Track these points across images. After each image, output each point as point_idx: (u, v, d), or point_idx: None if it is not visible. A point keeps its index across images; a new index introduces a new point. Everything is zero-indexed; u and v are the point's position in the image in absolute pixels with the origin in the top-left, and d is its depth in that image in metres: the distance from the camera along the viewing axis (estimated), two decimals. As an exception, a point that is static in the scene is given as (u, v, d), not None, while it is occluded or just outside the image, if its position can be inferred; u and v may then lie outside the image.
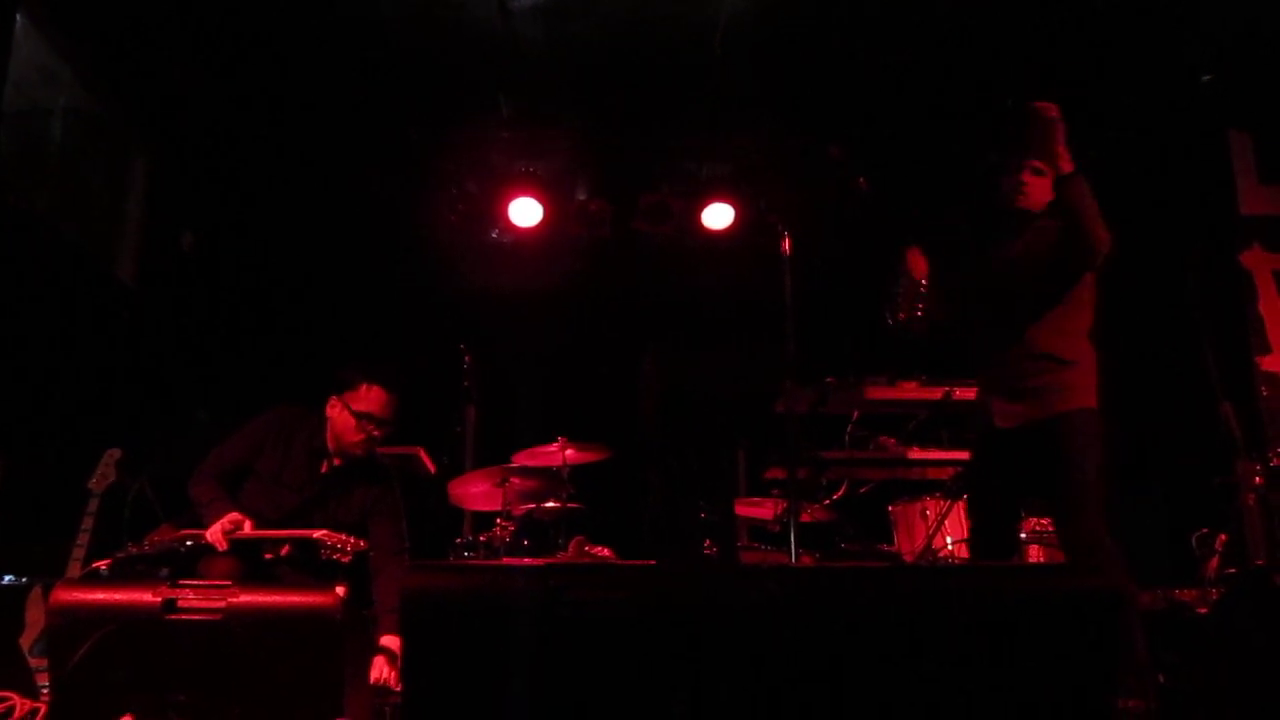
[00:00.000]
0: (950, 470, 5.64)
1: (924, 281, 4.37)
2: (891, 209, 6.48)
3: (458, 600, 2.55)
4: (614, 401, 6.94)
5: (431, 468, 6.15)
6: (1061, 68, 6.48)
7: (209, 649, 2.99)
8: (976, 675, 2.49)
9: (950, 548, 5.45)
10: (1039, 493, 4.58)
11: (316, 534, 4.08)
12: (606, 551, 5.32)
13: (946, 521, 5.52)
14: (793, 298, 4.75)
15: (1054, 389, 4.01)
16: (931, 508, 5.69)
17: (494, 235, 7.78)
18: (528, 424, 6.14)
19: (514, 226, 7.52)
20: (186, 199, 7.18)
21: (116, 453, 4.81)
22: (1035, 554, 5.35)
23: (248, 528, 4.10)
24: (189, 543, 4.11)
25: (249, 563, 4.10)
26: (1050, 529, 5.41)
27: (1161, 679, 3.98)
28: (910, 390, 5.73)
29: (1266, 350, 6.64)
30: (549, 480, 5.59)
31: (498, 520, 5.51)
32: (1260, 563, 4.85)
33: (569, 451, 5.60)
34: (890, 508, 5.98)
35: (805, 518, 5.73)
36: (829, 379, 5.72)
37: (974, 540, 4.37)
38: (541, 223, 7.48)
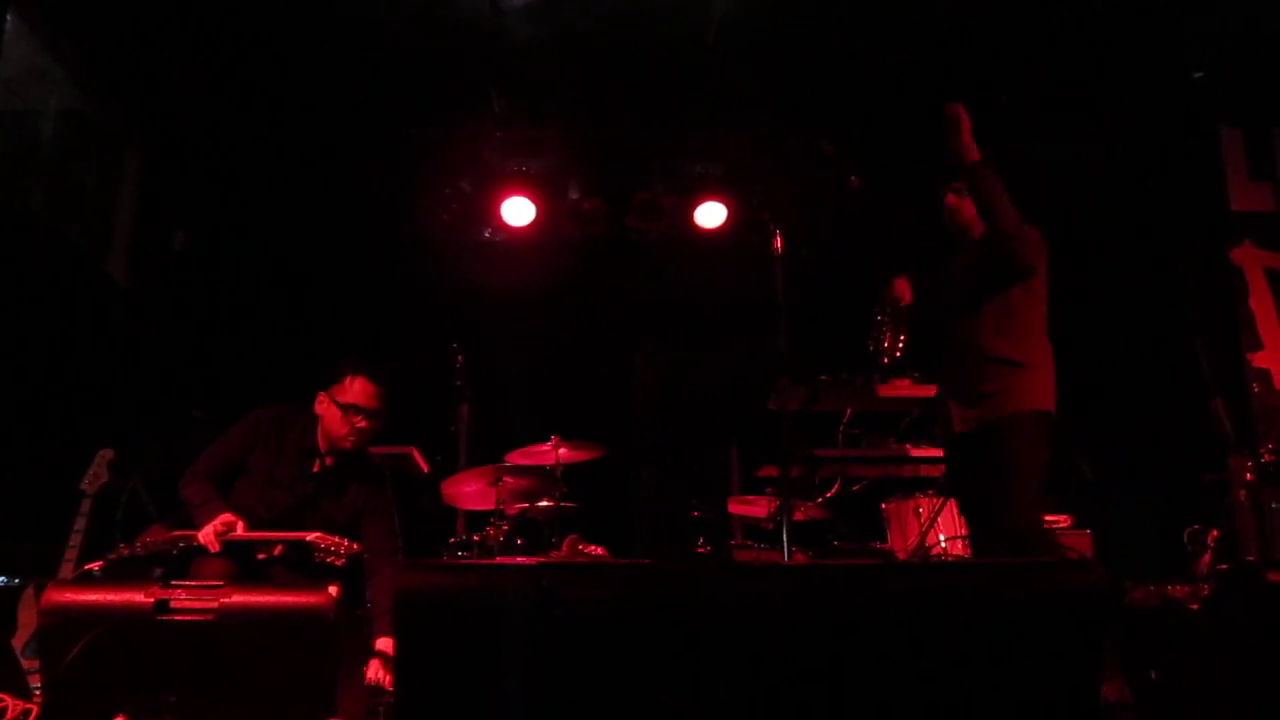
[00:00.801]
0: (943, 468, 5.65)
1: (906, 312, 4.51)
2: (884, 207, 6.50)
3: (451, 599, 2.56)
4: (607, 400, 6.96)
5: (425, 467, 6.15)
6: (1055, 66, 6.50)
7: (201, 649, 2.99)
8: (968, 670, 2.50)
9: (943, 545, 5.46)
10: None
11: (310, 537, 4.07)
12: (600, 550, 5.33)
13: (939, 519, 5.54)
14: (785, 295, 4.75)
15: (1005, 392, 4.14)
16: (924, 505, 5.71)
17: (487, 234, 7.79)
18: (521, 423, 6.13)
19: (507, 225, 7.53)
20: (179, 198, 7.17)
21: (109, 453, 4.80)
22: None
23: (240, 529, 4.09)
24: (181, 544, 4.10)
25: (242, 563, 4.10)
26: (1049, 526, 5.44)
27: (1154, 675, 3.99)
28: (904, 388, 5.74)
29: (1258, 346, 6.66)
30: (542, 479, 5.58)
31: (491, 519, 5.51)
32: (1252, 558, 4.87)
33: (562, 450, 5.60)
34: (883, 505, 5.99)
35: (799, 516, 5.74)
36: (822, 377, 5.73)
37: (973, 541, 4.44)
38: (534, 221, 7.49)
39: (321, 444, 4.44)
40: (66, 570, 4.35)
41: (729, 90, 6.78)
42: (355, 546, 4.10)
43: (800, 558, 5.38)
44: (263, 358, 7.11)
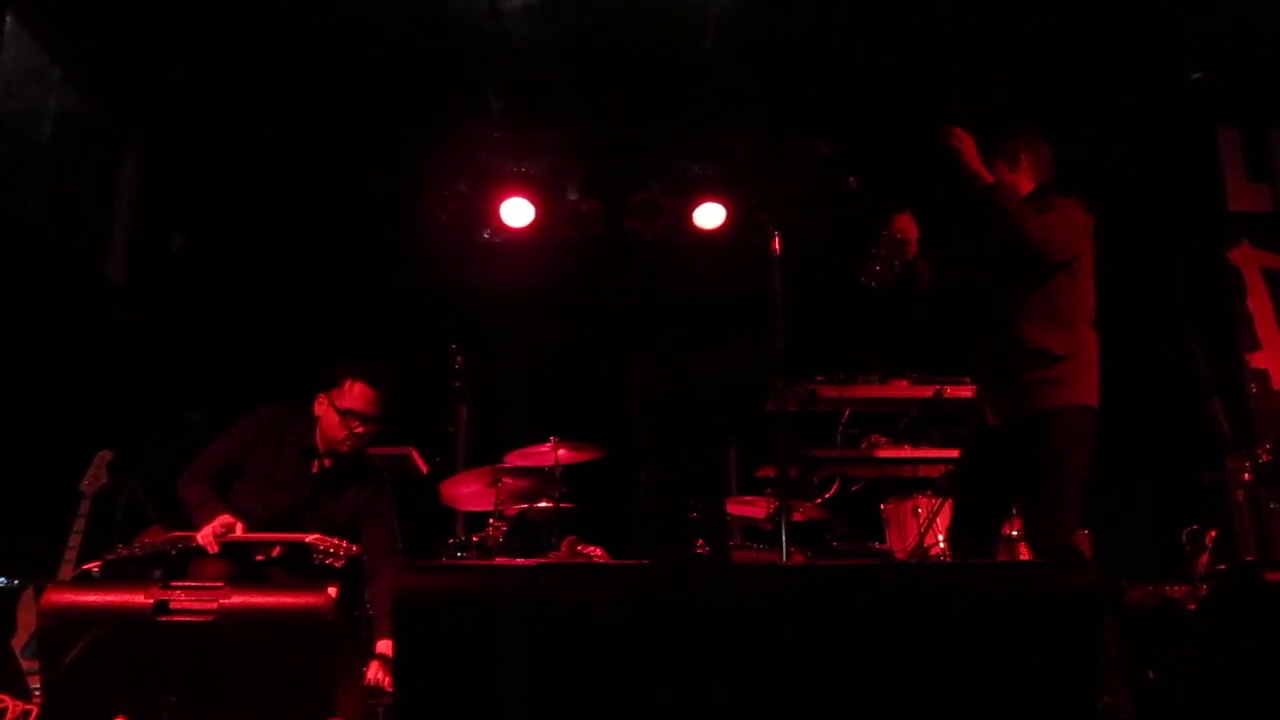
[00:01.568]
0: (941, 468, 5.65)
1: (912, 243, 4.32)
2: (882, 207, 6.49)
3: (450, 600, 2.56)
4: (606, 401, 6.96)
5: (424, 468, 6.15)
6: (1054, 66, 6.51)
7: (201, 650, 2.99)
8: (966, 671, 2.50)
9: (942, 545, 5.47)
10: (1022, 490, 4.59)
11: (309, 538, 4.08)
12: (599, 551, 5.32)
13: (938, 519, 5.54)
14: (783, 296, 4.75)
15: (1044, 384, 3.94)
16: (923, 506, 5.71)
17: (486, 235, 7.78)
18: (520, 424, 6.13)
19: (506, 226, 7.53)
20: (178, 199, 7.17)
21: (108, 454, 4.81)
22: (1026, 553, 5.35)
23: (239, 530, 4.09)
24: (180, 545, 4.11)
25: (240, 564, 4.10)
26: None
27: (1151, 675, 4.00)
28: (901, 388, 5.74)
29: (1255, 347, 6.66)
30: (541, 480, 5.58)
31: (490, 520, 5.51)
32: (1250, 558, 4.88)
33: (561, 451, 5.60)
34: (882, 506, 6.00)
35: (797, 516, 5.74)
36: (820, 377, 5.73)
37: (953, 536, 4.34)
38: (533, 223, 7.49)
39: (320, 445, 4.45)
40: (66, 571, 4.35)
41: (728, 91, 6.78)
42: (354, 548, 4.11)
43: (799, 558, 5.38)
44: (261, 359, 7.11)
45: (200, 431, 5.14)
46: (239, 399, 4.87)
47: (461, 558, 5.45)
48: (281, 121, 7.01)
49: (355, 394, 4.40)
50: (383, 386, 4.45)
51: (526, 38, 6.33)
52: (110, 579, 3.96)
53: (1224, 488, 5.22)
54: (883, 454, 5.73)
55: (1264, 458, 5.18)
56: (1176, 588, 4.92)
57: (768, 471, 5.95)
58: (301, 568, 4.19)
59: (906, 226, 4.37)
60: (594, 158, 7.65)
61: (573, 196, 7.69)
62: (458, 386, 6.02)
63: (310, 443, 4.44)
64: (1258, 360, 6.63)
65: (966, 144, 4.11)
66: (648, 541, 6.35)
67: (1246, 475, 5.14)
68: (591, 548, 5.33)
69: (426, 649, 2.54)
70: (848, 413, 5.89)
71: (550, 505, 5.61)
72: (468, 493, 5.67)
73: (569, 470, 5.69)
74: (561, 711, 2.49)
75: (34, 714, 3.27)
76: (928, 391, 5.67)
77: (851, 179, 5.65)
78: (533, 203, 7.44)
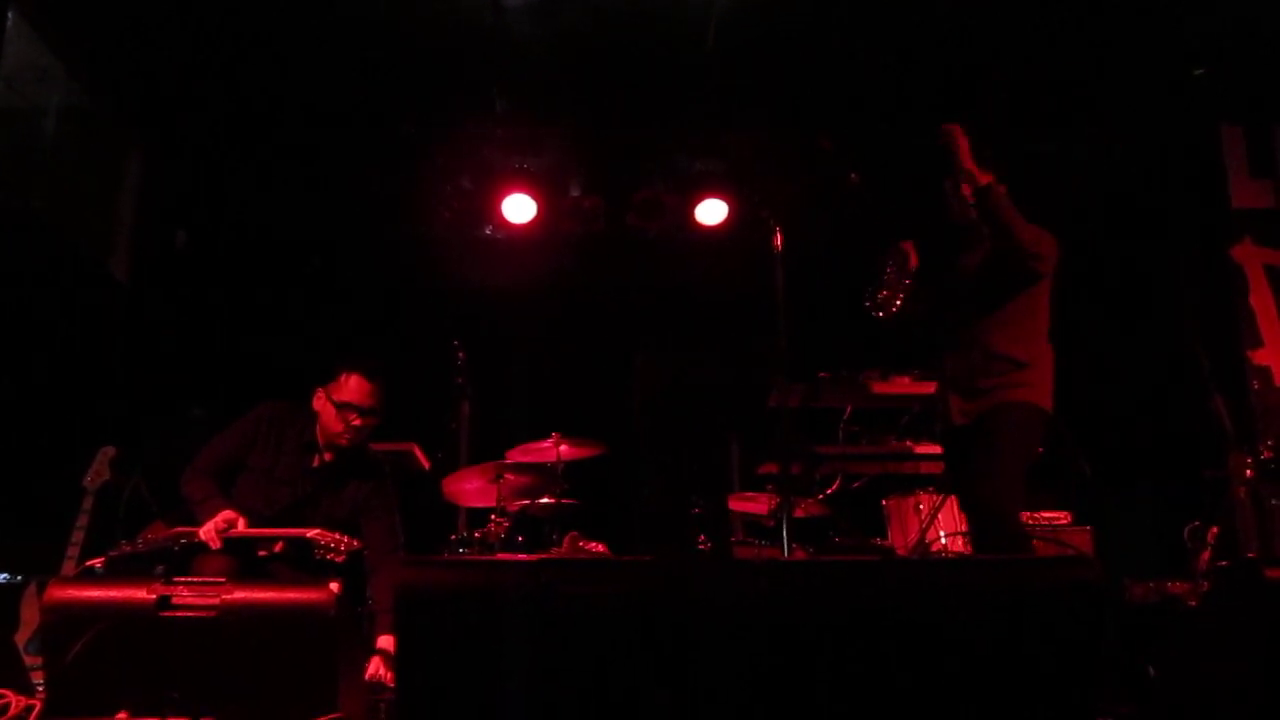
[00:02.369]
0: (943, 465, 5.65)
1: (911, 275, 4.47)
2: (884, 204, 6.49)
3: (451, 596, 2.57)
4: (608, 397, 6.94)
5: (426, 464, 6.15)
6: (1056, 64, 6.50)
7: (203, 646, 3.00)
8: (967, 666, 2.51)
9: (943, 541, 5.47)
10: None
11: (310, 533, 4.08)
12: (601, 547, 5.32)
13: (939, 515, 5.54)
14: (785, 292, 4.75)
15: (1005, 387, 4.19)
16: (925, 502, 5.71)
17: (488, 231, 7.79)
18: (522, 420, 6.14)
19: (508, 223, 7.54)
20: (180, 196, 7.18)
21: (111, 450, 4.82)
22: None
23: (241, 526, 4.10)
24: (182, 541, 4.11)
25: (243, 560, 4.11)
26: (1040, 522, 5.45)
27: (1152, 671, 4.00)
28: (903, 385, 5.75)
29: (1258, 344, 6.65)
30: (543, 476, 5.59)
31: (492, 516, 5.51)
32: (1251, 555, 4.88)
33: (563, 447, 5.60)
34: (884, 502, 6.00)
35: (799, 513, 5.73)
36: (822, 374, 5.73)
37: (972, 535, 4.44)
38: (535, 219, 7.50)
39: (320, 440, 4.45)
40: (69, 567, 4.37)
41: (729, 88, 6.78)
42: (356, 543, 4.11)
43: (800, 554, 5.38)
44: (263, 355, 7.11)
45: (202, 427, 5.16)
46: (241, 395, 4.87)
47: (463, 554, 5.46)
48: (283, 119, 7.01)
49: (351, 387, 4.40)
50: (379, 380, 4.44)
51: (528, 35, 6.33)
52: (113, 575, 3.97)
53: (1226, 484, 5.22)
54: (884, 450, 5.73)
55: (1266, 455, 5.18)
56: (1178, 584, 4.93)
57: (770, 468, 5.96)
58: (303, 563, 4.19)
59: (909, 254, 4.53)
60: (596, 154, 7.65)
61: (575, 193, 7.69)
62: (460, 383, 6.03)
63: (311, 438, 4.44)
64: (1260, 357, 6.62)
65: (962, 143, 4.29)
66: (649, 537, 6.35)
67: (1248, 472, 5.14)
68: (593, 544, 5.33)
69: (428, 644, 2.54)
70: (849, 409, 5.90)
71: (552, 501, 5.61)
72: (470, 489, 5.68)
73: (571, 466, 5.70)
74: (563, 706, 2.49)
75: (37, 709, 3.28)
76: (929, 388, 5.67)
77: (853, 175, 5.66)
78: (535, 199, 7.44)
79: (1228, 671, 3.12)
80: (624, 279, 7.83)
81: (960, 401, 4.32)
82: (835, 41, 6.37)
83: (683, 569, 2.80)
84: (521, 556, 4.80)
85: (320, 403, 4.44)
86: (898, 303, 4.49)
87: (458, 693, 2.50)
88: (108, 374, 6.18)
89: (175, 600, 3.03)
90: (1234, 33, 6.31)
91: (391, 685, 3.91)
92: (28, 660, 4.06)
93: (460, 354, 5.98)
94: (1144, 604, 4.89)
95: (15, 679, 3.84)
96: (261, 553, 4.22)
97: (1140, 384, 6.91)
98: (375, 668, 4.02)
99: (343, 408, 4.37)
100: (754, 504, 6.07)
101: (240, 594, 3.05)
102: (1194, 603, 4.66)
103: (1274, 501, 5.13)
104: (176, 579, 3.12)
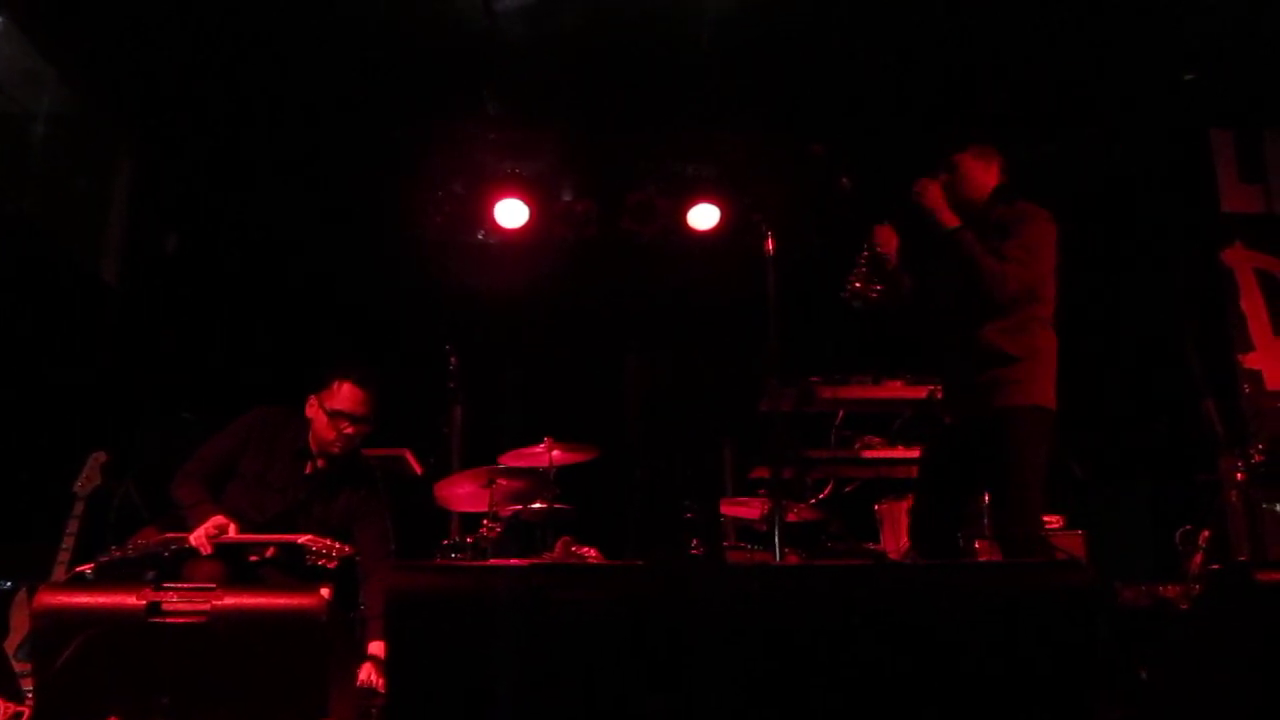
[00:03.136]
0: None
1: (893, 256, 4.39)
2: (874, 209, 6.50)
3: (443, 601, 2.56)
4: (600, 402, 6.96)
5: (418, 469, 6.14)
6: (1048, 67, 6.52)
7: (194, 652, 2.98)
8: (959, 671, 2.51)
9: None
10: (980, 488, 4.72)
11: (301, 539, 4.07)
12: (593, 552, 5.32)
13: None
14: (777, 297, 4.76)
15: (1000, 384, 3.99)
16: (917, 506, 5.71)
17: (480, 236, 7.78)
18: (514, 425, 6.13)
19: (500, 227, 7.53)
20: (171, 200, 7.15)
21: (101, 455, 4.80)
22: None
23: (232, 531, 4.09)
24: (173, 546, 4.10)
25: (233, 565, 4.10)
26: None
27: (1144, 674, 4.01)
28: (895, 389, 5.75)
29: (1248, 347, 6.68)
30: (535, 481, 5.58)
31: (484, 521, 5.51)
32: (1243, 558, 4.89)
33: (555, 452, 5.59)
34: (876, 507, 6.00)
35: (791, 517, 5.74)
36: (813, 378, 5.73)
37: (913, 533, 4.38)
38: (527, 223, 7.49)
39: (313, 447, 4.44)
40: (59, 573, 4.34)
41: (722, 92, 6.79)
42: (347, 549, 4.10)
43: (793, 559, 5.39)
44: (254, 360, 7.10)
45: (194, 433, 5.13)
46: (232, 400, 4.86)
47: (456, 559, 5.45)
48: (275, 122, 7.00)
49: (343, 395, 4.39)
50: (371, 387, 4.43)
51: (521, 38, 6.33)
52: (103, 580, 3.95)
53: (1217, 488, 5.24)
54: (876, 455, 5.73)
55: (1257, 458, 5.20)
56: (1170, 588, 4.94)
57: (762, 472, 5.95)
58: (295, 569, 4.18)
59: (887, 239, 4.43)
60: (588, 158, 7.65)
61: (567, 197, 7.69)
62: (452, 387, 6.03)
63: (303, 444, 4.43)
64: (1250, 361, 6.65)
65: (932, 193, 4.19)
66: (642, 542, 6.35)
67: (1239, 475, 5.16)
68: (586, 549, 5.32)
69: (419, 650, 2.53)
70: (842, 414, 5.90)
71: (544, 506, 5.60)
72: (462, 494, 5.67)
73: (563, 471, 5.69)
74: (554, 712, 2.49)
75: (26, 715, 3.27)
76: (921, 392, 5.68)
77: (844, 180, 5.65)
78: (527, 203, 7.44)
79: (1220, 675, 3.12)
80: (616, 283, 7.83)
81: (954, 399, 4.22)
82: (827, 47, 6.38)
83: (675, 574, 2.79)
84: (513, 561, 4.79)
85: (313, 410, 4.43)
86: (876, 287, 4.35)
87: (449, 698, 2.49)
88: (98, 378, 6.16)
89: (165, 606, 3.02)
90: (1223, 36, 6.33)
91: (382, 691, 3.90)
92: (17, 666, 4.04)
93: (452, 359, 5.98)
94: (1136, 607, 4.90)
95: (4, 685, 3.83)
96: (252, 558, 4.21)
97: (1131, 387, 6.93)
98: (366, 673, 4.01)
99: (335, 415, 4.36)
100: (746, 509, 6.07)
101: (231, 599, 3.04)
102: (1186, 606, 4.67)
103: (1265, 505, 5.14)
104: (167, 584, 3.11)
